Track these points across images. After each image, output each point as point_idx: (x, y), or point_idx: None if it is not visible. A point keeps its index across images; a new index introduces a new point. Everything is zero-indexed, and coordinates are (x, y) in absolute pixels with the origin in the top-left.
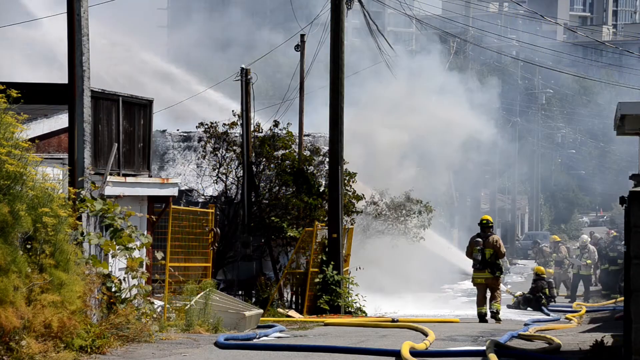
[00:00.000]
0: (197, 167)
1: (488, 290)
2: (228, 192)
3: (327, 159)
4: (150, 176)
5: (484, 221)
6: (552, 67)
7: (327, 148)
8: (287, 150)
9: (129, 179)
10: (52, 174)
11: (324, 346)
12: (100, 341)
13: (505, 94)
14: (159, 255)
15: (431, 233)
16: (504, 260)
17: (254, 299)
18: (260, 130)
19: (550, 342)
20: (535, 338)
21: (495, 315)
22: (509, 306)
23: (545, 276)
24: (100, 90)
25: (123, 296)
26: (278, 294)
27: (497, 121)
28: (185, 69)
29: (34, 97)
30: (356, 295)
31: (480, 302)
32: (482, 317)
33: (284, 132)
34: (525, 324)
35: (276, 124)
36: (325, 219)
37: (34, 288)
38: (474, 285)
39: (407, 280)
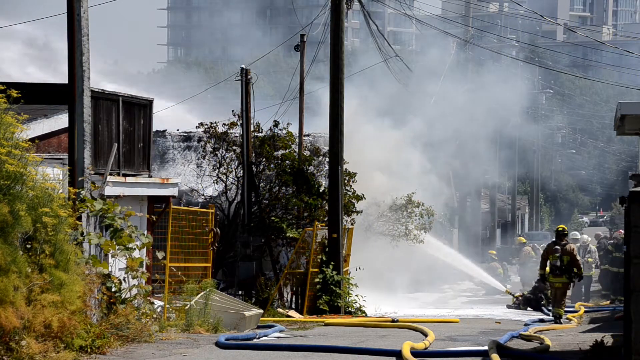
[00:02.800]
0: (197, 167)
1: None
2: (228, 192)
3: (327, 159)
4: (150, 176)
5: (561, 229)
6: (552, 67)
7: (327, 148)
8: (287, 150)
9: (129, 179)
10: (52, 174)
11: (324, 346)
12: (100, 341)
13: (505, 94)
14: (160, 254)
15: (431, 235)
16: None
17: (254, 299)
18: (260, 130)
19: (542, 342)
20: (534, 338)
21: (557, 318)
22: (508, 306)
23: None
24: (100, 90)
25: (123, 296)
26: (278, 294)
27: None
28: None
29: (34, 97)
30: (356, 295)
31: (557, 304)
32: (558, 318)
33: (284, 132)
34: (526, 324)
35: (276, 124)
36: (325, 219)
37: (34, 288)
38: (552, 289)
39: (407, 280)
